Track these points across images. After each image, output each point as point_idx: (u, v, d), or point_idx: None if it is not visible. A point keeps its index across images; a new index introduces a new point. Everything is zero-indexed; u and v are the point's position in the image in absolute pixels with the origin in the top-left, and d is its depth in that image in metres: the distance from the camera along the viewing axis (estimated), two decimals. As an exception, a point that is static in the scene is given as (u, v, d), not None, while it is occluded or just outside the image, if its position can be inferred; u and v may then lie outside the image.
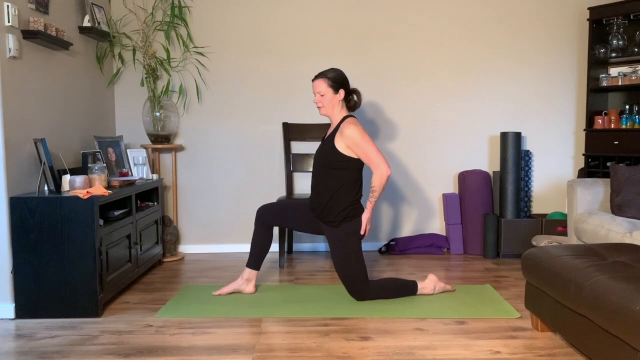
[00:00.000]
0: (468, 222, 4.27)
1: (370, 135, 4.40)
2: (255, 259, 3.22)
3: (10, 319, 2.84)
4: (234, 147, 4.39)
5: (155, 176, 3.96)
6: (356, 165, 3.03)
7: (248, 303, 3.06)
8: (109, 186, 3.30)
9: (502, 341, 2.51)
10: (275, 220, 3.21)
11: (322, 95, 3.07)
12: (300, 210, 3.21)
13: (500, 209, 4.21)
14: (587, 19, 4.19)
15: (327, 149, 3.05)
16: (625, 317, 1.80)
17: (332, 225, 3.05)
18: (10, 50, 2.85)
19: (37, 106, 3.14)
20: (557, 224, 4.07)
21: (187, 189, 4.40)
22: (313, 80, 3.10)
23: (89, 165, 3.20)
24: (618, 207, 3.23)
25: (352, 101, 3.13)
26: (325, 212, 3.06)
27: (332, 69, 3.10)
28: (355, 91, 3.13)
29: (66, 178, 3.03)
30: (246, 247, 4.30)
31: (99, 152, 3.56)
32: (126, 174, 3.75)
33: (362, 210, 3.10)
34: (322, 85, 3.06)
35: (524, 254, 2.60)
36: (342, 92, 3.07)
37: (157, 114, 4.06)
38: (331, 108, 3.08)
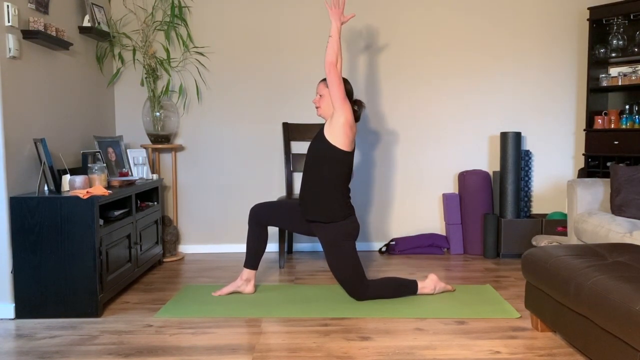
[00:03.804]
0: (468, 222, 4.27)
1: (371, 137, 4.40)
2: (253, 259, 3.22)
3: (10, 319, 2.84)
4: (234, 147, 4.39)
5: (155, 176, 3.96)
6: (342, 157, 3.02)
7: (248, 303, 3.06)
8: (109, 186, 3.30)
9: (502, 341, 2.51)
10: (268, 219, 3.21)
11: (320, 96, 3.11)
12: (293, 210, 3.21)
13: (500, 209, 4.21)
14: (587, 19, 4.19)
15: (317, 139, 3.08)
16: (625, 317, 1.80)
17: (320, 221, 3.04)
18: (10, 50, 2.85)
19: (37, 106, 3.14)
20: (557, 224, 4.07)
21: (187, 189, 4.40)
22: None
23: (89, 165, 3.20)
24: (618, 207, 3.23)
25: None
26: (311, 208, 3.07)
27: None
28: (357, 102, 3.14)
29: (66, 178, 3.03)
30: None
31: (99, 152, 3.56)
32: (126, 174, 3.75)
33: (352, 211, 3.10)
34: (322, 87, 3.11)
35: (524, 254, 2.60)
36: None
37: (157, 114, 4.06)
38: (327, 110, 3.10)
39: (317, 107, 3.14)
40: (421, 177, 4.46)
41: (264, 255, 4.22)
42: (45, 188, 3.04)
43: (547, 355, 2.35)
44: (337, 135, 2.98)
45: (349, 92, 3.09)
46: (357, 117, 3.12)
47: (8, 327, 2.73)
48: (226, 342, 2.52)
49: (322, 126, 3.12)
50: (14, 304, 2.84)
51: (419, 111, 4.42)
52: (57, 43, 3.24)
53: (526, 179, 4.38)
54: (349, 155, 3.04)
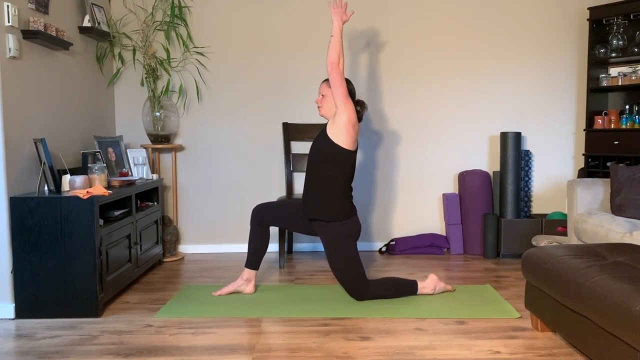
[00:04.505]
0: (468, 222, 4.27)
1: (372, 137, 4.40)
2: (254, 259, 3.22)
3: (10, 319, 2.84)
4: (234, 147, 4.39)
5: (155, 176, 3.96)
6: (345, 156, 3.02)
7: (248, 303, 3.06)
8: (109, 186, 3.30)
9: (502, 341, 2.51)
10: (270, 219, 3.22)
11: (322, 96, 3.12)
12: (295, 209, 3.22)
13: (500, 209, 4.21)
14: (587, 19, 4.19)
15: (320, 138, 3.09)
16: (625, 317, 1.80)
17: (322, 219, 3.05)
18: (10, 50, 2.85)
19: (37, 106, 3.14)
20: (557, 224, 4.07)
21: (187, 189, 4.40)
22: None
23: (89, 165, 3.20)
24: (618, 207, 3.23)
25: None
26: (313, 207, 3.07)
27: None
28: (360, 103, 3.15)
29: (66, 178, 3.03)
30: (246, 247, 4.30)
31: (99, 152, 3.56)
32: (126, 174, 3.75)
33: (354, 211, 3.11)
34: (325, 87, 3.13)
35: (524, 254, 2.60)
36: None
37: (157, 114, 4.06)
38: (329, 110, 3.11)
39: (319, 107, 3.15)
40: (421, 177, 4.46)
41: (264, 255, 4.22)
42: (45, 188, 3.04)
43: (547, 355, 2.35)
44: (340, 133, 2.99)
45: (351, 92, 3.10)
46: (359, 117, 3.12)
47: (8, 327, 2.73)
48: (226, 342, 2.52)
49: (324, 126, 3.13)
50: (14, 304, 2.84)
51: (419, 111, 4.42)
52: (57, 43, 3.24)
53: (526, 179, 4.38)
54: (352, 154, 3.05)
